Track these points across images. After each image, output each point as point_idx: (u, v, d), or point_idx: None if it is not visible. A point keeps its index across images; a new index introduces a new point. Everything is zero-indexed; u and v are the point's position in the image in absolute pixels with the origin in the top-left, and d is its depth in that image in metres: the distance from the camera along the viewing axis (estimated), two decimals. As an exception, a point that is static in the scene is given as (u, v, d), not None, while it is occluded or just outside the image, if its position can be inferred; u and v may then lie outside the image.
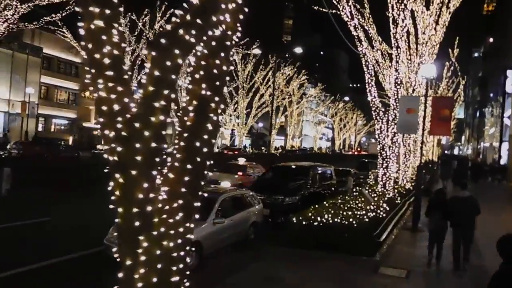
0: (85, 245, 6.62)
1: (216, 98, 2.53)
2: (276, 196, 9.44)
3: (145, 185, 2.13)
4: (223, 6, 2.34)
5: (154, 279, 2.17)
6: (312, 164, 11.98)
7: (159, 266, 2.19)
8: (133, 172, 2.11)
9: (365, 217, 7.07)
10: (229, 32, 2.57)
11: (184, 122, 2.46)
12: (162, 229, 2.22)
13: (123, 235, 2.19)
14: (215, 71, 2.50)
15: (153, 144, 2.12)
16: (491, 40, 47.93)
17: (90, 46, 2.22)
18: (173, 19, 2.17)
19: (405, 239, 8.21)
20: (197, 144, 2.42)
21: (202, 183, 2.48)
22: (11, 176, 11.12)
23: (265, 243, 7.05)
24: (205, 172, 2.49)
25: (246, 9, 2.61)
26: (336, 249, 6.30)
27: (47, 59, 31.92)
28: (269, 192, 9.47)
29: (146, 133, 2.10)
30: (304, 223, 6.79)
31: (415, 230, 8.97)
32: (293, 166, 11.78)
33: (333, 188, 11.65)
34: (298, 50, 34.42)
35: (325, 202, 8.43)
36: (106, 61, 2.18)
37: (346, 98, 61.47)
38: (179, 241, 2.29)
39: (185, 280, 2.33)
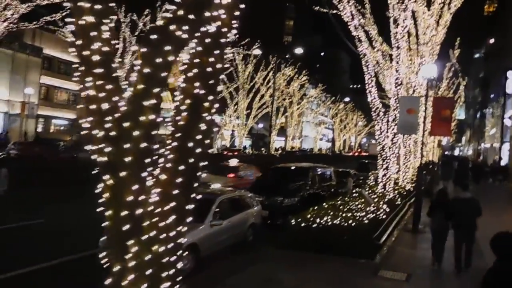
0: (75, 249, 6.40)
1: (210, 97, 2.45)
2: (275, 197, 9.36)
3: (135, 187, 2.05)
4: (217, 1, 2.26)
5: (144, 286, 2.08)
6: (312, 165, 11.90)
7: (149, 272, 2.10)
8: (123, 174, 2.03)
9: (364, 218, 6.99)
10: (224, 29, 2.48)
11: (177, 121, 2.38)
12: (153, 233, 2.14)
13: (112, 240, 2.11)
14: (209, 69, 2.42)
15: (143, 144, 2.05)
16: (492, 41, 47.85)
17: (79, 42, 2.15)
18: (165, 14, 2.09)
19: (405, 241, 8.12)
20: (190, 144, 2.34)
21: (196, 184, 2.40)
22: (8, 176, 11.05)
23: (264, 245, 6.97)
24: (199, 173, 2.41)
25: (242, 6, 2.53)
26: (335, 252, 6.21)
27: (47, 59, 31.89)
28: (268, 193, 9.39)
29: (136, 133, 2.02)
30: (303, 225, 6.70)
31: (415, 231, 8.88)
32: (293, 167, 11.70)
33: (332, 189, 11.57)
34: (299, 50, 34.36)
35: (324, 204, 8.34)
36: (96, 58, 2.11)
37: (347, 99, 61.37)
38: (171, 245, 2.21)
39: (176, 286, 2.24)
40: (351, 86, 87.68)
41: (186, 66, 2.43)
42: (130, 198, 2.04)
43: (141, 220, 2.10)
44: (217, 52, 2.46)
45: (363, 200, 8.73)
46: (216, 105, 2.52)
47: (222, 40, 2.49)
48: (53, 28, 22.09)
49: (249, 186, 10.52)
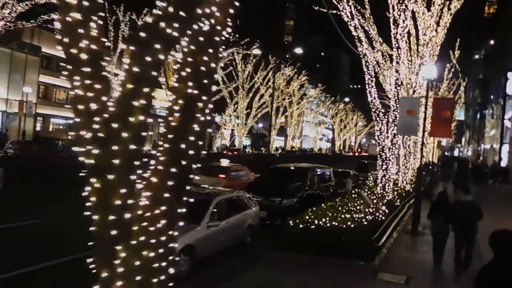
0: (70, 250, 6.17)
1: (204, 97, 2.37)
2: (273, 198, 9.28)
3: (123, 190, 1.97)
4: (209, -2, 2.19)
5: (133, 293, 2.01)
6: (311, 166, 11.83)
7: (138, 278, 2.03)
8: (110, 177, 1.95)
9: (363, 220, 6.91)
10: (218, 27, 2.41)
11: (169, 122, 2.30)
12: (142, 238, 2.06)
13: (99, 245, 2.03)
14: (203, 68, 2.35)
15: (132, 146, 1.97)
16: (492, 42, 47.81)
17: (66, 40, 2.07)
18: (155, 11, 2.01)
19: (404, 243, 8.05)
20: (183, 146, 2.27)
21: (188, 188, 2.33)
22: (4, 176, 10.96)
23: (261, 247, 6.89)
24: (191, 176, 2.34)
25: (237, 3, 2.45)
26: (334, 253, 6.13)
27: (46, 58, 31.76)
28: (266, 194, 9.31)
29: (124, 135, 1.94)
30: (301, 226, 6.63)
31: (415, 233, 8.81)
32: (292, 168, 11.62)
33: (331, 190, 11.49)
34: (299, 50, 34.23)
35: (323, 205, 8.27)
36: (83, 56, 2.04)
37: (347, 99, 61.30)
38: (161, 250, 2.13)
39: (167, 293, 2.17)
40: (351, 86, 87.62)
41: (179, 65, 2.36)
42: (118, 202, 1.96)
43: (129, 224, 2.02)
44: (211, 51, 2.39)
45: (362, 201, 8.66)
46: (210, 106, 2.45)
47: (216, 39, 2.42)
48: (51, 26, 22.01)
49: (245, 186, 10.41)
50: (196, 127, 2.31)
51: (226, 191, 7.56)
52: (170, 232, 2.22)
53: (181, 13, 2.00)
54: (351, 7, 9.81)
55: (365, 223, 6.80)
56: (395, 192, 10.68)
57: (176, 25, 1.99)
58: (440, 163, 27.37)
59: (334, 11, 10.28)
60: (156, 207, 2.18)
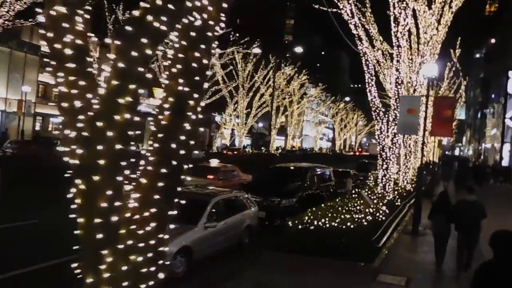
0: (67, 250, 6.16)
1: (195, 95, 2.28)
2: (272, 198, 9.19)
3: (109, 192, 1.88)
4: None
5: (119, 299, 1.92)
6: (311, 165, 11.73)
7: (125, 284, 1.94)
8: (96, 178, 1.86)
9: (363, 220, 6.83)
10: (211, 22, 2.32)
11: (159, 121, 2.21)
12: (130, 242, 1.97)
13: (85, 249, 1.94)
14: (194, 64, 2.26)
15: (118, 146, 1.87)
16: (493, 41, 47.62)
17: (50, 35, 1.98)
18: (142, 4, 1.92)
19: (405, 244, 7.95)
20: (173, 145, 2.17)
21: (179, 189, 2.23)
22: (2, 176, 10.87)
23: (260, 248, 6.79)
24: (183, 177, 2.24)
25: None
26: (334, 255, 6.04)
27: (45, 57, 31.64)
28: (265, 194, 9.22)
29: (110, 133, 1.85)
30: (300, 227, 6.54)
31: (415, 234, 8.71)
32: (291, 167, 11.52)
33: (331, 190, 11.40)
34: (299, 49, 34.11)
35: (322, 205, 8.18)
36: (68, 51, 1.94)
37: (347, 99, 61.15)
38: (150, 254, 2.04)
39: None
40: (351, 85, 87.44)
41: (169, 62, 2.27)
42: (104, 204, 1.87)
43: (117, 228, 1.93)
44: (203, 46, 2.29)
45: (362, 201, 8.56)
46: (202, 104, 2.35)
47: (209, 34, 2.32)
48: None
49: (245, 187, 10.29)
50: (187, 126, 2.21)
51: (224, 191, 7.47)
52: (160, 235, 2.13)
53: (170, 6, 1.91)
54: (351, 5, 9.71)
55: (365, 223, 6.72)
56: (396, 192, 10.58)
57: (164, 18, 1.89)
58: (440, 162, 27.28)
59: (334, 10, 10.18)
60: (145, 209, 2.08)
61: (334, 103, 56.26)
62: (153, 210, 2.10)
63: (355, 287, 5.32)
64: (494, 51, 45.79)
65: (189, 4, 2.03)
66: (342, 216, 6.96)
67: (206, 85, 2.40)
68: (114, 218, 1.92)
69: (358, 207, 7.92)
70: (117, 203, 1.92)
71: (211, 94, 30.89)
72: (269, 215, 8.73)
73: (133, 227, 2.01)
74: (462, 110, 57.92)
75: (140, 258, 1.99)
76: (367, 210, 7.67)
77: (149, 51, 1.90)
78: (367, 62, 10.24)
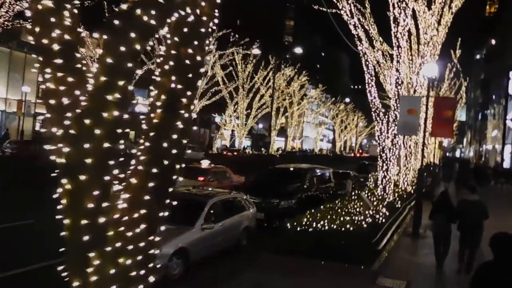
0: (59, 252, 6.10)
1: (188, 93, 2.21)
2: (271, 200, 9.11)
3: (97, 192, 1.81)
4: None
5: (107, 304, 1.85)
6: (310, 166, 11.65)
7: (113, 287, 1.87)
8: (82, 177, 1.79)
9: (363, 222, 6.74)
10: (204, 18, 2.26)
11: (151, 119, 2.15)
12: (118, 244, 1.90)
13: (71, 251, 1.87)
14: (187, 61, 2.19)
15: (106, 144, 1.81)
16: (493, 42, 47.57)
17: (37, 29, 1.92)
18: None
19: (405, 246, 7.87)
20: (165, 145, 2.11)
21: (170, 189, 2.16)
22: (-1, 176, 10.81)
23: (258, 249, 6.71)
24: (174, 177, 2.18)
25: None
26: (333, 257, 5.96)
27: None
28: (264, 195, 9.14)
29: (97, 131, 1.78)
30: (298, 229, 6.46)
31: (416, 236, 8.62)
32: (290, 169, 11.44)
33: (331, 191, 11.31)
34: (298, 50, 34.07)
35: (322, 206, 8.09)
36: (55, 47, 1.88)
37: (347, 100, 61.06)
38: (139, 257, 1.97)
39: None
40: (351, 86, 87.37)
41: (162, 59, 2.21)
42: (91, 205, 1.80)
43: (104, 229, 1.86)
44: (196, 43, 2.23)
45: (362, 203, 8.48)
46: (195, 102, 2.29)
47: (202, 30, 2.26)
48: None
49: (245, 187, 10.21)
50: (179, 125, 2.15)
51: (222, 193, 7.40)
52: (151, 238, 2.06)
53: (160, -1, 1.84)
54: (350, 5, 9.66)
55: (365, 225, 6.64)
56: (396, 194, 10.49)
57: (153, 12, 1.83)
58: (441, 164, 27.21)
59: (334, 10, 10.14)
60: (135, 210, 2.01)
61: (334, 104, 56.18)
62: (143, 211, 2.03)
63: (355, 290, 5.24)
64: (494, 51, 45.75)
65: (180, -3, 1.97)
66: (342, 218, 6.88)
67: (199, 82, 2.33)
68: (102, 219, 1.85)
69: (357, 209, 7.84)
70: (104, 204, 1.85)
71: (211, 95, 30.84)
72: (267, 217, 8.65)
73: (121, 228, 1.94)
74: (463, 111, 57.85)
75: (129, 261, 1.92)
76: (367, 212, 7.59)
77: (138, 46, 1.84)
78: (367, 63, 10.19)
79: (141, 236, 2.00)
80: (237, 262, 6.26)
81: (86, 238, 1.81)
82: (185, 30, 2.17)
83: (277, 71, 32.60)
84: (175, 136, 2.14)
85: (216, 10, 2.31)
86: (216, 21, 2.32)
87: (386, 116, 10.35)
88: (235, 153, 32.87)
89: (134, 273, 1.94)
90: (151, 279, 2.06)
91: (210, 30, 2.32)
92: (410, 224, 9.42)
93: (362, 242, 6.12)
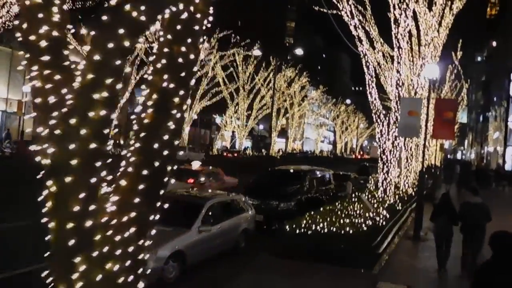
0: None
1: (181, 92, 2.14)
2: (270, 201, 9.03)
3: (83, 194, 1.74)
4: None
5: (93, 311, 1.77)
6: (310, 168, 11.56)
7: (99, 294, 1.79)
8: (68, 179, 1.72)
9: (363, 225, 6.66)
10: (198, 15, 2.19)
11: (142, 119, 2.08)
12: (106, 249, 1.83)
13: (56, 256, 1.80)
14: (180, 60, 2.12)
15: (93, 145, 1.74)
16: (494, 43, 47.47)
17: (25, 25, 1.86)
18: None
19: (406, 250, 7.77)
20: (156, 145, 2.03)
21: (161, 192, 2.09)
22: (-3, 176, 10.76)
23: (256, 252, 6.63)
24: (166, 179, 2.10)
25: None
26: (332, 260, 5.87)
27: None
28: (263, 197, 9.06)
29: (83, 131, 1.71)
30: (298, 231, 6.38)
31: (417, 239, 8.53)
32: (290, 170, 11.36)
33: (331, 193, 11.22)
34: (299, 51, 34.02)
35: (321, 208, 8.01)
36: (43, 43, 1.82)
37: (348, 101, 60.97)
38: (128, 262, 1.90)
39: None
40: (352, 88, 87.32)
41: (154, 57, 2.14)
42: (77, 208, 1.73)
43: (90, 233, 1.79)
44: (189, 40, 2.16)
45: (362, 205, 8.39)
46: (188, 101, 2.22)
47: (196, 28, 2.19)
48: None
49: (246, 189, 10.10)
50: (171, 125, 2.07)
51: (220, 194, 7.32)
52: (140, 242, 1.98)
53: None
54: (351, 6, 9.61)
55: (365, 228, 6.56)
56: (397, 196, 10.41)
57: (143, 8, 1.76)
58: (442, 166, 27.08)
59: (335, 11, 10.09)
60: (125, 213, 1.94)
61: (335, 106, 56.10)
62: (132, 214, 1.96)
63: (354, 294, 5.15)
64: (496, 53, 45.66)
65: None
66: (342, 221, 6.80)
67: (193, 81, 2.26)
68: (89, 223, 1.77)
69: (358, 212, 7.76)
70: (92, 207, 1.78)
71: (211, 96, 30.80)
72: (267, 219, 8.57)
73: (110, 232, 1.86)
74: (464, 113, 57.68)
75: (116, 267, 1.85)
76: (367, 214, 7.51)
77: (127, 43, 1.77)
78: (368, 64, 10.13)
79: (130, 240, 1.92)
80: (235, 265, 6.17)
81: (72, 242, 1.73)
82: (178, 27, 2.10)
83: (277, 72, 32.54)
84: (166, 137, 2.07)
85: (211, 8, 2.25)
86: (210, 18, 2.26)
87: (387, 118, 10.27)
88: (236, 154, 32.81)
89: (122, 279, 1.87)
90: (141, 285, 1.98)
91: (204, 28, 2.25)
92: (411, 227, 9.32)
93: (362, 245, 6.05)
